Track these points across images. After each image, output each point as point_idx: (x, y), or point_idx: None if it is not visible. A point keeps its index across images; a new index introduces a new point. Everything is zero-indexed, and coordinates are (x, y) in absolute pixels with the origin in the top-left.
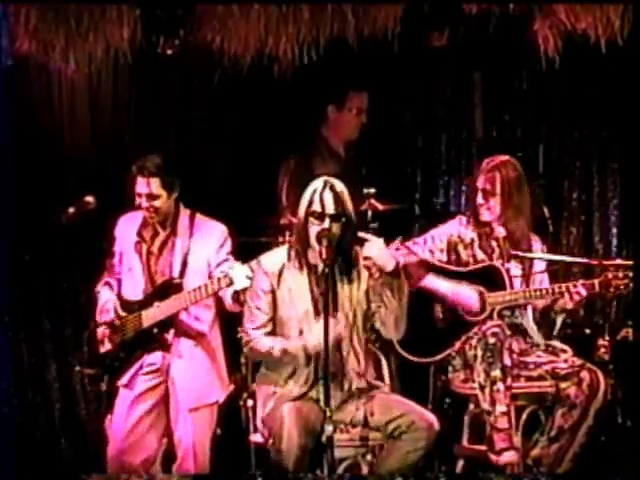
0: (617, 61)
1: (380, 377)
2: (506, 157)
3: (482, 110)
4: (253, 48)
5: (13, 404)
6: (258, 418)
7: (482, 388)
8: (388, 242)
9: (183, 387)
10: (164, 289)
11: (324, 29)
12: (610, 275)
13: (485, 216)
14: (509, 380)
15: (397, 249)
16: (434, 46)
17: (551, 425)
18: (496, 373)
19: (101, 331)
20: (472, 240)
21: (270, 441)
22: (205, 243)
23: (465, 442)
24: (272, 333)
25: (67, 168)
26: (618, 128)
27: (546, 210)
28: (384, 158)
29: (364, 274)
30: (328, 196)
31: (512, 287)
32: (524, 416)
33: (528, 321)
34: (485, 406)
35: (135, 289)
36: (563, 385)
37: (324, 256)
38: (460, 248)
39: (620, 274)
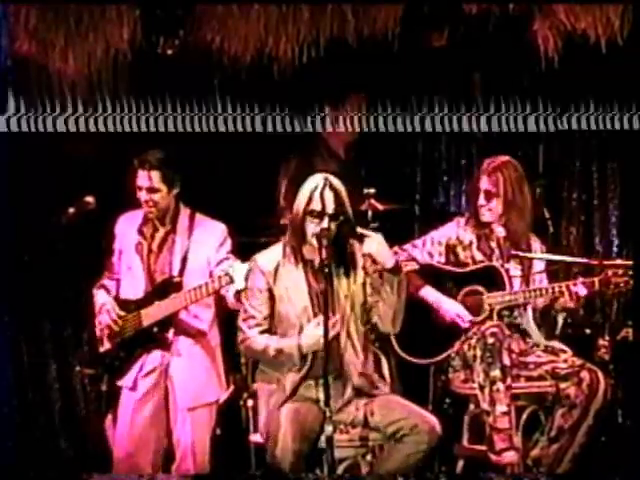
0: (617, 61)
1: (380, 377)
2: (507, 158)
3: (482, 110)
4: (253, 48)
5: (13, 404)
6: (260, 417)
7: (482, 388)
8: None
9: (182, 386)
10: (164, 288)
11: (324, 29)
12: (610, 273)
13: (486, 217)
14: (509, 380)
15: (396, 253)
16: (434, 46)
17: (551, 425)
18: (495, 373)
19: (100, 331)
20: (471, 242)
21: (266, 444)
22: (205, 242)
23: (465, 442)
24: (268, 331)
25: (67, 168)
26: (618, 128)
27: (546, 210)
28: (384, 158)
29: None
30: (329, 195)
31: (511, 287)
32: (524, 416)
33: (528, 321)
34: (485, 406)
35: (135, 288)
36: (563, 385)
37: (324, 256)
38: (459, 250)
39: (620, 272)
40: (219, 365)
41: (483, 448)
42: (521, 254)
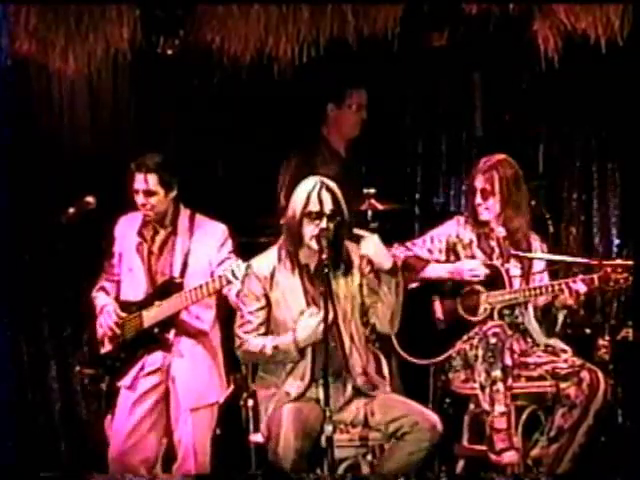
0: (617, 61)
1: (380, 377)
2: (502, 156)
3: (482, 110)
4: (253, 48)
5: (13, 404)
6: (261, 421)
7: (483, 388)
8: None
9: (184, 387)
10: (165, 289)
11: (324, 29)
12: (609, 270)
13: (484, 216)
14: (509, 380)
15: (396, 248)
16: (434, 46)
17: (551, 425)
18: (497, 373)
19: (102, 333)
20: (471, 241)
21: (268, 443)
22: (206, 242)
23: (465, 442)
24: (263, 336)
25: (67, 168)
26: (618, 128)
27: (546, 210)
28: (384, 158)
29: (356, 266)
30: (326, 196)
31: (511, 286)
32: (524, 416)
33: (530, 320)
34: (486, 406)
35: (135, 289)
36: (563, 385)
37: (324, 256)
38: (459, 248)
39: (619, 269)
40: (220, 365)
41: (483, 448)
42: (521, 254)
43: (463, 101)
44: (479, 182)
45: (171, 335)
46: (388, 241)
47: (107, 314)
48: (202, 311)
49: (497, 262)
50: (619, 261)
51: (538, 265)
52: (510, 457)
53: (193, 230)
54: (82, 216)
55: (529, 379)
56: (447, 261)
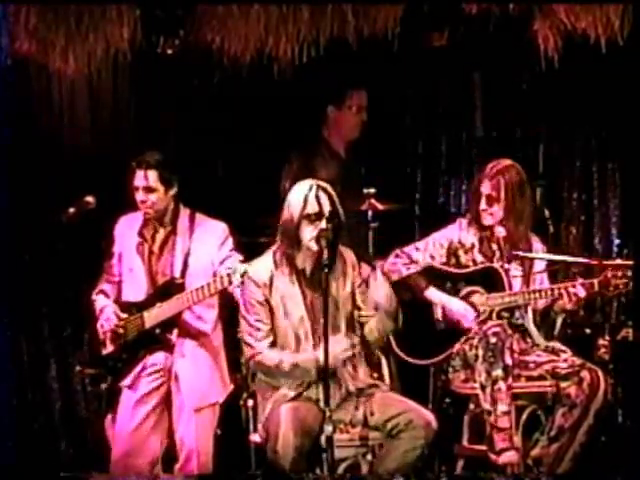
0: (617, 61)
1: (380, 377)
2: (509, 162)
3: (482, 110)
4: (253, 48)
5: (13, 404)
6: (259, 422)
7: (483, 388)
8: (387, 242)
9: (187, 387)
10: (166, 289)
11: (324, 29)
12: (609, 274)
13: (487, 220)
14: (510, 380)
15: (397, 256)
16: (434, 46)
17: (551, 425)
18: (497, 373)
19: (104, 335)
20: (472, 245)
21: (267, 441)
22: (206, 241)
23: (465, 442)
24: (274, 343)
25: (67, 168)
26: (618, 128)
27: (546, 210)
28: (384, 158)
29: (350, 273)
30: (323, 197)
31: (511, 288)
32: (524, 416)
33: (529, 323)
34: (486, 406)
35: (136, 290)
36: (563, 385)
37: (324, 256)
38: (460, 252)
39: (619, 273)
40: (223, 365)
41: (483, 448)
42: (521, 254)
43: (463, 101)
44: (485, 188)
45: (173, 335)
46: (388, 242)
47: (107, 317)
48: (204, 311)
49: (497, 264)
50: (619, 261)
51: (539, 265)
52: (510, 457)
53: (193, 229)
54: (82, 216)
55: (529, 379)
56: (448, 265)
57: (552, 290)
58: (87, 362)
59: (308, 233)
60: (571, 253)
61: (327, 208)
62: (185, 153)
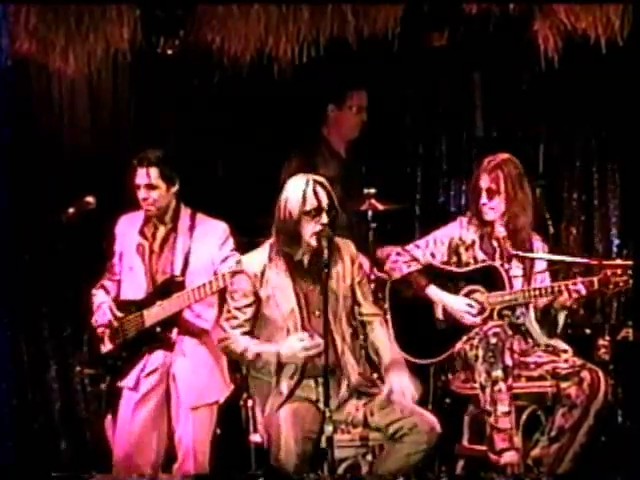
0: (617, 61)
1: (380, 377)
2: (506, 155)
3: (482, 110)
4: (253, 48)
5: (13, 404)
6: (258, 421)
7: (483, 388)
8: (387, 242)
9: (186, 385)
10: (166, 287)
11: (324, 29)
12: (609, 272)
13: (489, 215)
14: (510, 380)
15: (399, 254)
16: (434, 46)
17: (551, 425)
18: (497, 373)
19: (101, 332)
20: (473, 242)
21: (269, 448)
22: (207, 241)
23: (465, 442)
24: (249, 333)
25: (67, 168)
26: (618, 128)
27: (546, 210)
28: (384, 158)
29: (348, 266)
30: (321, 191)
31: (512, 287)
32: (524, 416)
33: (531, 321)
34: (486, 406)
35: (136, 288)
36: (564, 385)
37: (325, 253)
38: (461, 250)
39: (619, 271)
40: (222, 365)
41: (483, 448)
42: (521, 254)
43: (463, 101)
44: (484, 182)
45: (173, 334)
46: (389, 242)
47: (103, 312)
48: (204, 310)
49: (497, 263)
50: (619, 261)
51: (540, 265)
52: (510, 457)
53: (194, 228)
54: (82, 216)
55: (529, 379)
56: (449, 263)
57: (552, 288)
58: (87, 362)
59: (309, 229)
60: (571, 253)
61: (325, 202)
62: (185, 153)
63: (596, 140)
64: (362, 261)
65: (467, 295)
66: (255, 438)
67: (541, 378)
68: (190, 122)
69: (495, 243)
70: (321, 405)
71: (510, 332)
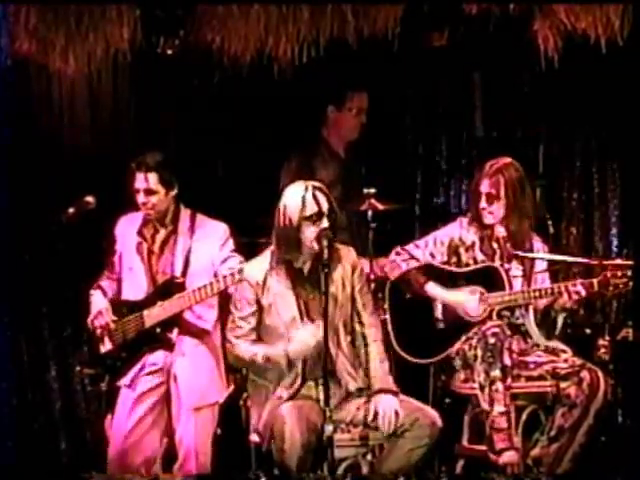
0: (617, 61)
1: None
2: (508, 159)
3: (482, 110)
4: (253, 48)
5: (13, 404)
6: (254, 424)
7: (482, 388)
8: (387, 242)
9: (186, 386)
10: (166, 288)
11: (324, 29)
12: (609, 274)
13: (488, 219)
14: (509, 380)
15: (397, 253)
16: (434, 46)
17: (551, 425)
18: (496, 373)
19: (99, 332)
20: (473, 243)
21: (272, 442)
22: (207, 241)
23: (465, 442)
24: (255, 342)
25: (67, 168)
26: (618, 128)
27: (546, 210)
28: (384, 158)
29: (349, 274)
30: (320, 196)
31: (511, 287)
32: (524, 416)
33: (530, 323)
34: (485, 406)
35: (136, 289)
36: (563, 385)
37: (325, 256)
38: (461, 251)
39: (619, 273)
40: (222, 366)
41: (483, 448)
42: (521, 254)
43: (463, 101)
44: (485, 186)
45: (174, 335)
46: (389, 242)
47: (99, 315)
48: (205, 311)
49: (497, 263)
50: (619, 261)
51: (540, 265)
52: (510, 457)
53: (194, 229)
54: (82, 216)
55: (529, 379)
56: (448, 263)
57: (552, 289)
58: (87, 362)
59: (310, 234)
60: (571, 253)
61: (325, 206)
62: (185, 153)
63: (596, 140)
64: (363, 266)
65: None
66: (255, 438)
67: (541, 378)
68: (190, 122)
69: (495, 244)
70: (322, 404)
71: (509, 332)
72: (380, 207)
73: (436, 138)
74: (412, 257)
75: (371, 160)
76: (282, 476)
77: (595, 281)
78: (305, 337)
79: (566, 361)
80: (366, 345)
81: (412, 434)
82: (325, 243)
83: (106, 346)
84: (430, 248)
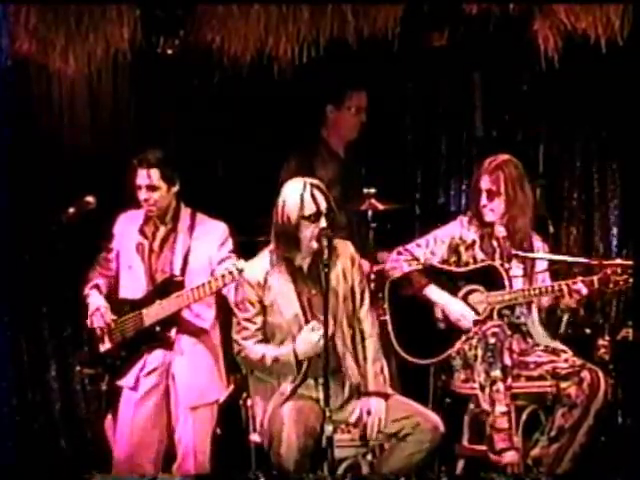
0: (617, 61)
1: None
2: (507, 156)
3: (482, 110)
4: (253, 48)
5: (13, 404)
6: (258, 422)
7: (482, 388)
8: (387, 242)
9: (185, 385)
10: (165, 287)
11: (324, 29)
12: (609, 272)
13: (489, 217)
14: (509, 380)
15: (399, 253)
16: (434, 46)
17: (551, 425)
18: (496, 373)
19: (99, 332)
20: (474, 241)
21: (270, 444)
22: (206, 241)
23: (465, 442)
24: (262, 342)
25: (67, 168)
26: (618, 128)
27: (546, 210)
28: (384, 158)
29: (349, 267)
30: (319, 195)
31: (512, 286)
32: (524, 416)
33: (533, 322)
34: (485, 406)
35: (135, 287)
36: (563, 385)
37: (325, 255)
38: (461, 249)
39: (619, 270)
40: (220, 365)
41: (483, 448)
42: (521, 254)
43: (463, 101)
44: (485, 183)
45: (172, 333)
46: (389, 242)
47: (98, 316)
48: (203, 309)
49: (497, 262)
50: (619, 261)
51: (540, 265)
52: (510, 457)
53: (194, 228)
54: (82, 216)
55: (529, 379)
56: (449, 262)
57: (552, 288)
58: (87, 362)
59: (309, 234)
60: (571, 253)
61: (324, 205)
62: (185, 153)
63: (596, 140)
64: (362, 262)
65: (467, 294)
66: (255, 438)
67: (541, 378)
68: (190, 122)
69: (495, 243)
70: (322, 404)
71: (509, 332)
72: (380, 207)
73: (436, 138)
74: (414, 257)
75: (371, 160)
76: (281, 476)
77: (595, 278)
78: (311, 336)
79: (566, 361)
80: (363, 340)
81: (414, 438)
82: (325, 243)
83: (105, 345)
84: (431, 247)
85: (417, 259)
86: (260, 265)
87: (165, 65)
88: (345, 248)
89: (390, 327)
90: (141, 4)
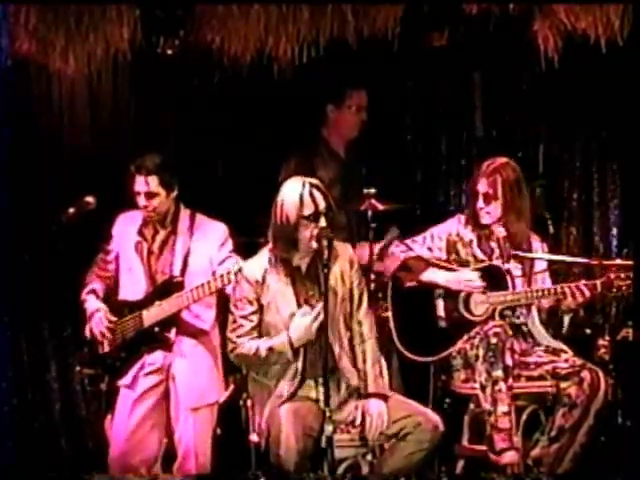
0: (617, 61)
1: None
2: (505, 159)
3: (482, 110)
4: (253, 48)
5: (13, 404)
6: (256, 424)
7: (483, 388)
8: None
9: (185, 386)
10: (165, 288)
11: (324, 29)
12: (612, 276)
13: (485, 219)
14: (510, 380)
15: (396, 246)
16: (434, 46)
17: (551, 425)
18: (498, 373)
19: (98, 337)
20: (471, 240)
21: (268, 445)
22: (206, 242)
23: (465, 442)
24: (256, 339)
25: (67, 168)
26: (618, 128)
27: (546, 210)
28: (384, 158)
29: (347, 269)
30: (317, 194)
31: (514, 287)
32: (524, 416)
33: (533, 322)
34: (486, 406)
35: (135, 289)
36: (564, 385)
37: (325, 255)
38: (459, 247)
39: (622, 275)
40: (220, 365)
41: (483, 448)
42: (521, 254)
43: (463, 101)
44: (482, 186)
45: (172, 334)
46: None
47: (98, 320)
48: (203, 310)
49: (498, 262)
50: (619, 261)
51: (539, 265)
52: (510, 457)
53: (193, 229)
54: (82, 216)
55: (529, 379)
56: (448, 260)
57: (555, 289)
58: (87, 362)
59: (307, 233)
60: (571, 253)
61: (323, 205)
62: (185, 153)
63: (596, 140)
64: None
65: (468, 294)
66: (255, 438)
67: (541, 378)
68: (190, 122)
69: (494, 243)
70: (322, 404)
71: (510, 332)
72: (380, 207)
73: (436, 138)
74: (410, 249)
75: (371, 160)
76: (281, 476)
77: (598, 282)
78: (304, 322)
79: (566, 361)
80: (362, 342)
81: (414, 437)
82: (325, 243)
83: (105, 346)
84: (428, 243)
85: (414, 252)
86: (259, 263)
87: (165, 65)
88: (344, 250)
89: (392, 324)
90: (141, 4)
